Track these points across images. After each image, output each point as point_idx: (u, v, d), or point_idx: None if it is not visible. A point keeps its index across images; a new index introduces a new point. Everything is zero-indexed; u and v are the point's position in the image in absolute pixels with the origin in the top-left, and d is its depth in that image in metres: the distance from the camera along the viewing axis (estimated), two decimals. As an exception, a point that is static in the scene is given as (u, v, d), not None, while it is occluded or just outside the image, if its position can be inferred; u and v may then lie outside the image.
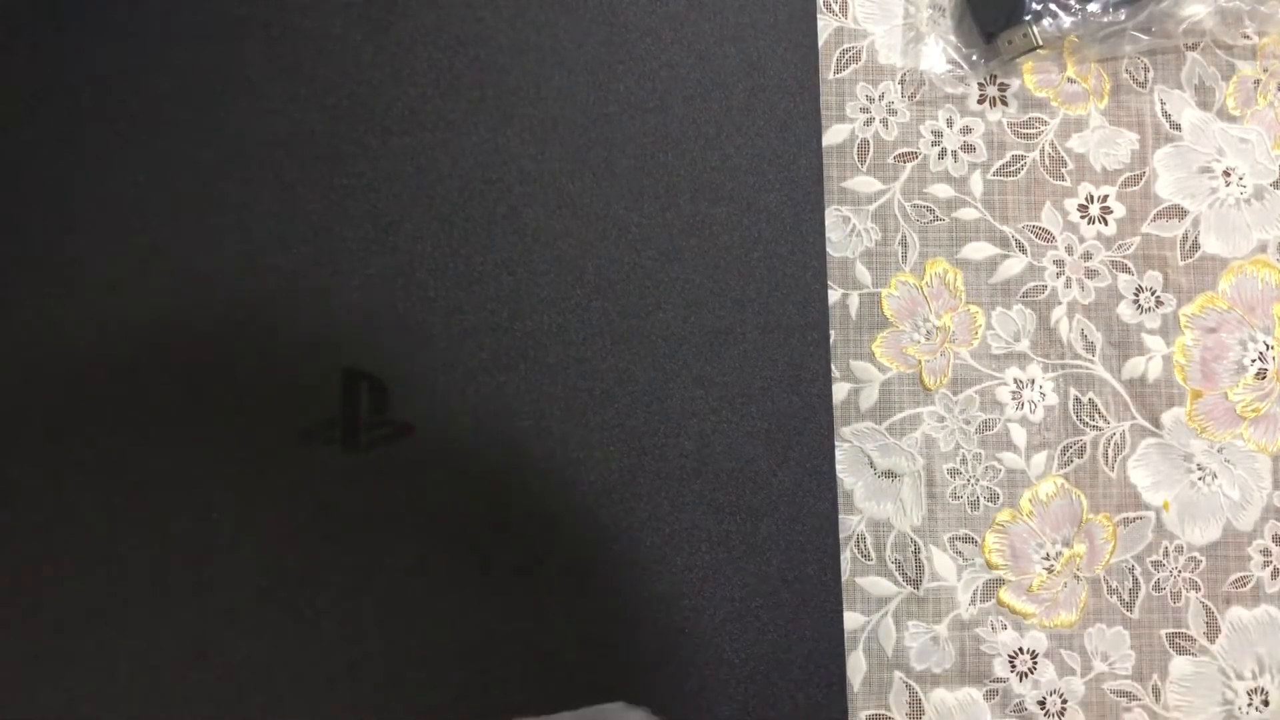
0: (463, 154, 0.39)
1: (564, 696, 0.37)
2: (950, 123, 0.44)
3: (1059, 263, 0.43)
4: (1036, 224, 0.43)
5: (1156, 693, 0.41)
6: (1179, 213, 0.43)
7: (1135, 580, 0.42)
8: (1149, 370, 0.43)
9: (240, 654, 0.37)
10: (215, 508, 0.37)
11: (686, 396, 0.38)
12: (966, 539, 0.42)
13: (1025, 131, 0.44)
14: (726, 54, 0.40)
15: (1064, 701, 0.41)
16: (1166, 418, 0.43)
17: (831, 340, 0.41)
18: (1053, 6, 0.42)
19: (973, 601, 0.42)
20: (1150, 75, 0.44)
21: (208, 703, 0.37)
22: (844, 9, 0.44)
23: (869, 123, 0.44)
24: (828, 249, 0.41)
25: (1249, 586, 0.42)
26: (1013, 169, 0.43)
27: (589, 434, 0.38)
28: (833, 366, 0.41)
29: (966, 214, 0.43)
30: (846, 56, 0.44)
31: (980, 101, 0.44)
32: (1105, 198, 0.43)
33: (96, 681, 0.36)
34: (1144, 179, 0.44)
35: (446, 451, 0.38)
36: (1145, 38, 0.43)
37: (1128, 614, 0.42)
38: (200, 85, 0.39)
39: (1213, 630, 0.42)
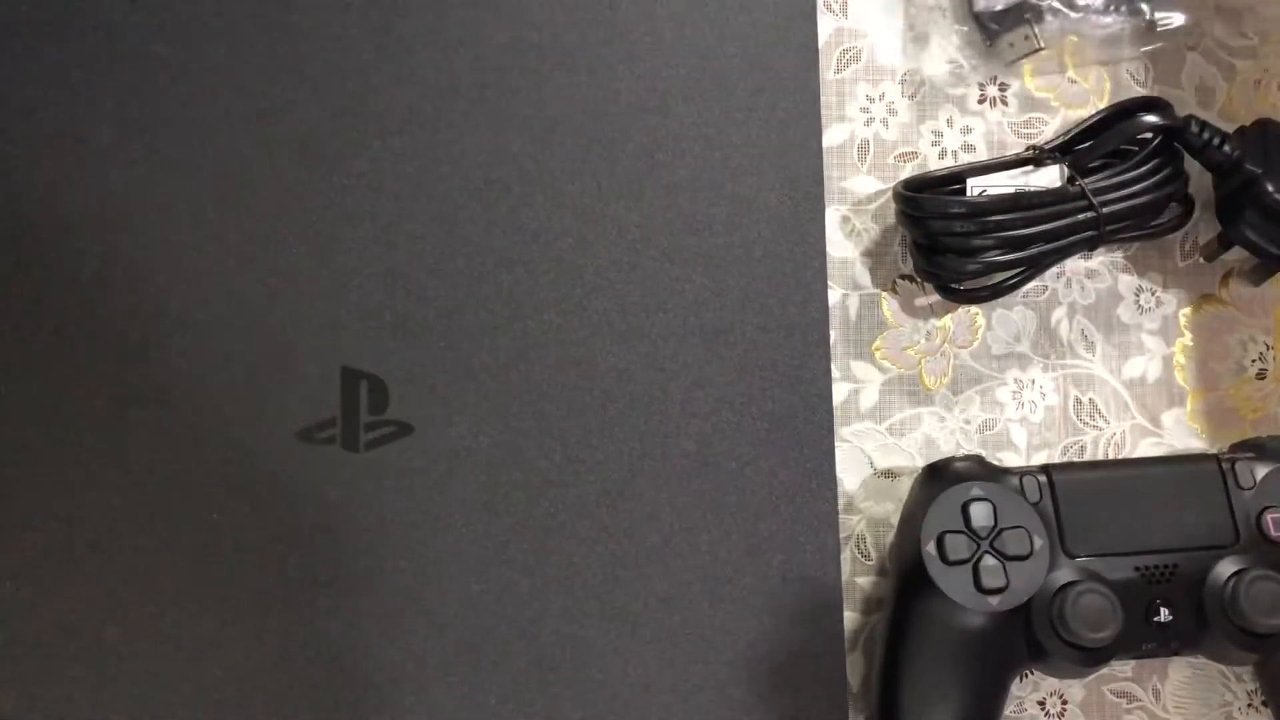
0: (463, 154, 0.39)
1: (564, 696, 0.37)
2: (950, 122, 0.44)
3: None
4: (1037, 224, 0.43)
5: (1156, 694, 0.41)
6: (1179, 213, 0.43)
7: (1135, 581, 0.42)
8: (1149, 371, 0.43)
9: (240, 654, 0.37)
10: (215, 508, 0.37)
11: (686, 396, 0.38)
12: (966, 539, 0.42)
13: (1026, 131, 0.44)
14: (726, 54, 0.40)
15: (1064, 703, 0.41)
16: (1166, 418, 0.42)
17: (831, 340, 0.41)
18: (1055, 4, 0.42)
19: (973, 602, 0.41)
20: (1150, 75, 0.44)
21: (208, 703, 0.37)
22: (844, 9, 0.44)
23: (869, 123, 0.43)
24: (828, 249, 0.41)
25: (1249, 587, 0.42)
26: (1013, 169, 0.43)
27: (589, 434, 0.38)
28: (832, 367, 0.41)
29: (967, 214, 0.43)
30: (847, 56, 0.44)
31: (980, 101, 0.44)
32: (1106, 198, 0.43)
33: (97, 681, 0.37)
34: (1144, 179, 0.44)
35: (446, 451, 0.38)
36: (1146, 42, 0.43)
37: (1128, 614, 0.42)
38: (201, 85, 0.39)
39: (1213, 631, 0.42)
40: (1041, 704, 0.41)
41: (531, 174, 0.39)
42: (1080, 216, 0.39)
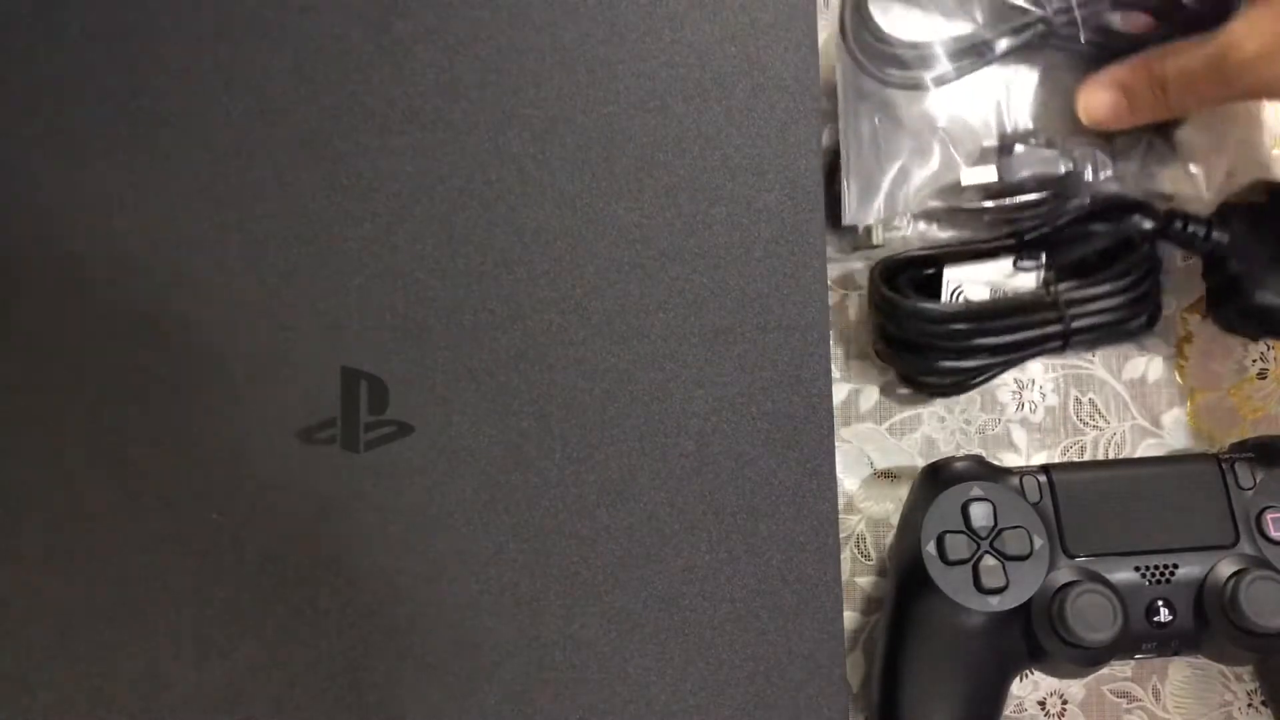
0: (463, 154, 0.39)
1: (564, 696, 0.37)
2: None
3: (1059, 263, 0.43)
4: (1037, 224, 0.43)
5: (1156, 694, 0.41)
6: (1179, 213, 0.43)
7: (1135, 581, 0.42)
8: (1150, 371, 0.43)
9: (240, 654, 0.37)
10: (215, 508, 0.37)
11: (686, 396, 0.38)
12: (966, 539, 0.42)
13: (1026, 132, 0.44)
14: (726, 54, 0.40)
15: (1064, 703, 0.41)
16: (1167, 418, 0.43)
17: (831, 340, 0.41)
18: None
19: (973, 602, 0.41)
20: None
21: (208, 703, 0.37)
22: (844, 9, 0.44)
23: (869, 123, 0.43)
24: (828, 249, 0.41)
25: (1249, 587, 0.42)
26: (1013, 169, 0.43)
27: (589, 434, 0.38)
28: (832, 367, 0.41)
29: (967, 214, 0.43)
30: (847, 56, 0.44)
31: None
32: (1106, 198, 0.43)
33: (96, 681, 0.37)
34: (1144, 179, 0.43)
35: (446, 451, 0.38)
36: None
37: (1128, 614, 0.42)
38: (200, 85, 0.39)
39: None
40: (1041, 704, 0.41)
41: (531, 174, 0.39)
42: (1049, 329, 0.40)
